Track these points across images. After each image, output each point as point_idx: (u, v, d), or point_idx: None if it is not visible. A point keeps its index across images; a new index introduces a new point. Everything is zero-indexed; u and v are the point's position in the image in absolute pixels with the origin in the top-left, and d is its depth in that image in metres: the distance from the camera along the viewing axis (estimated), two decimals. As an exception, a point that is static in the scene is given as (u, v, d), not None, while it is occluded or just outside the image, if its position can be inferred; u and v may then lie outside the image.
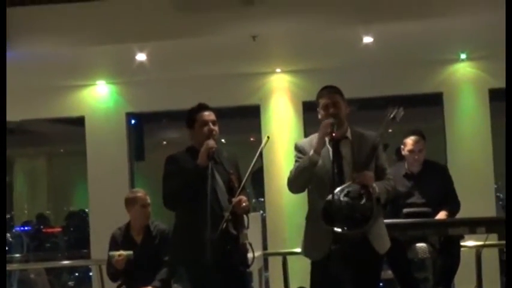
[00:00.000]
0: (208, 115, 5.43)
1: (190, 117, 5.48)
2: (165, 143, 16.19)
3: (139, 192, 6.99)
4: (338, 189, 4.83)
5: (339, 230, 4.71)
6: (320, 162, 4.96)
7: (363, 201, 4.83)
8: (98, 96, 10.40)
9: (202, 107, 5.48)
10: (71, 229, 15.70)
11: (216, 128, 5.42)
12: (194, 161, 5.25)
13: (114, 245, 6.92)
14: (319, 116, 5.10)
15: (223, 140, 5.42)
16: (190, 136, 5.52)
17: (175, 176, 5.37)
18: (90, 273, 11.05)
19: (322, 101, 5.08)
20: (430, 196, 6.63)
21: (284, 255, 8.09)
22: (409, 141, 6.72)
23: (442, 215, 6.54)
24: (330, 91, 5.11)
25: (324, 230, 4.78)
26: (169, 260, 6.64)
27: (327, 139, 4.99)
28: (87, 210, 10.83)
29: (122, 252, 6.62)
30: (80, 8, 8.04)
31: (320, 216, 4.86)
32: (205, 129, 5.38)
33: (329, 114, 4.98)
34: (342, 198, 4.77)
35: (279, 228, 9.69)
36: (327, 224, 4.79)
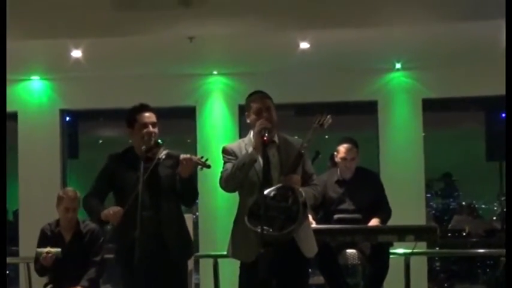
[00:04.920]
0: (149, 117, 5.29)
1: (130, 117, 5.33)
2: (101, 141, 16.08)
3: (69, 193, 6.79)
4: (266, 191, 4.83)
5: (264, 232, 4.66)
6: None
7: (289, 203, 4.84)
8: (32, 92, 10.26)
9: (143, 108, 5.33)
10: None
11: (155, 130, 5.29)
12: (131, 162, 5.17)
13: (43, 239, 6.78)
14: (248, 120, 5.14)
15: (160, 141, 5.27)
16: (130, 136, 5.39)
17: (102, 176, 5.39)
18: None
19: (254, 105, 5.10)
20: (360, 203, 6.69)
21: (215, 258, 8.07)
22: (342, 148, 6.77)
23: (374, 222, 6.61)
24: (262, 96, 5.15)
25: (253, 233, 4.77)
26: (100, 259, 6.61)
27: None
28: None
29: (49, 249, 6.47)
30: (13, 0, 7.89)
31: (246, 216, 4.87)
32: (144, 131, 5.24)
33: (263, 119, 5.00)
34: (268, 201, 4.77)
35: (211, 230, 9.66)
36: (251, 225, 4.79)
